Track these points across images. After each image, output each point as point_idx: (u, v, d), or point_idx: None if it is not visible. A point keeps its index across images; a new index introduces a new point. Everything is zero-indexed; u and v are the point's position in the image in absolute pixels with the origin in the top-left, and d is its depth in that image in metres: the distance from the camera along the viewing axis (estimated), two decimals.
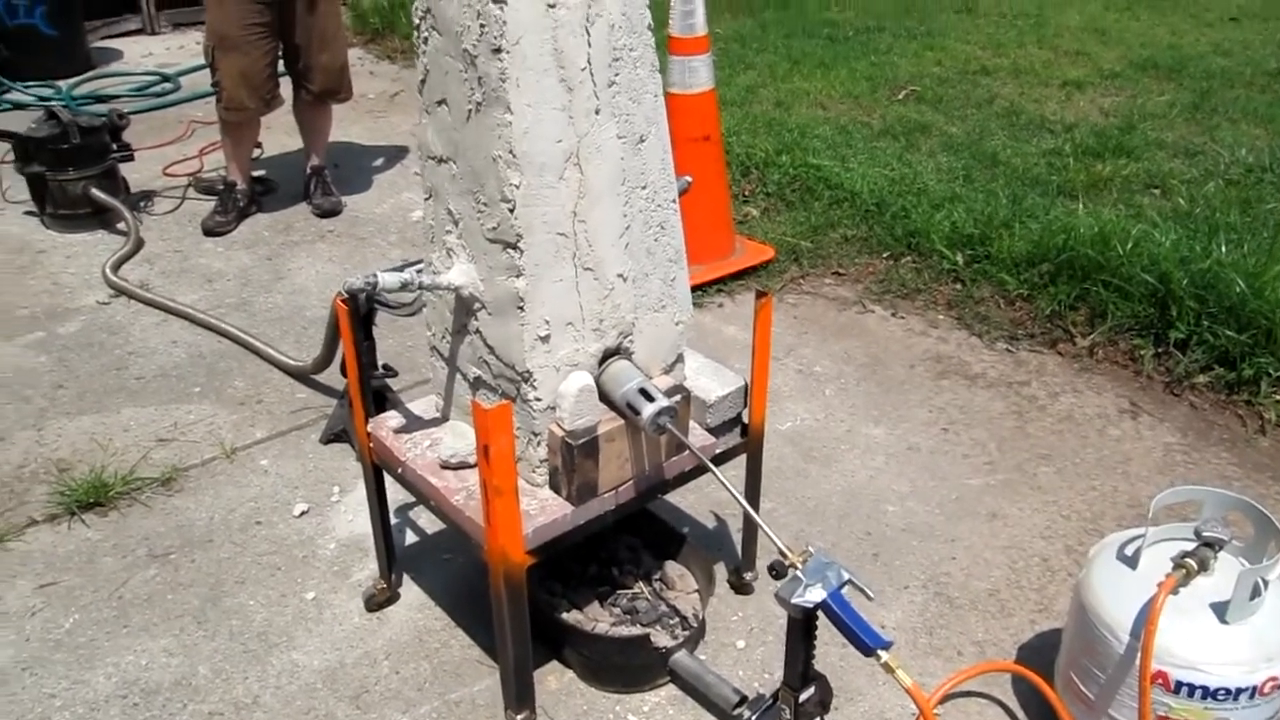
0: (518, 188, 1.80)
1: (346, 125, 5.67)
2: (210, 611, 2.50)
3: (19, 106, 5.99)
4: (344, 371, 3.01)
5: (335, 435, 3.10)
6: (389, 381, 3.04)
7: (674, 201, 2.05)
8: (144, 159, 4.85)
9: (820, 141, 5.13)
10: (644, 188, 1.98)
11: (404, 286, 1.92)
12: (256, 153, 5.26)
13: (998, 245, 4.00)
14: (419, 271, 1.99)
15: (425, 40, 1.89)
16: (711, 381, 2.25)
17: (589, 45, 1.81)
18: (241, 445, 3.10)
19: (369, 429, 2.26)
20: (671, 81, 3.79)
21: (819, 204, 4.51)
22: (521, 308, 1.88)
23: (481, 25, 1.73)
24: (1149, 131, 5.46)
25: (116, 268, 4.08)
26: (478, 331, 2.01)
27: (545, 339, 1.92)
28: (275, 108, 4.47)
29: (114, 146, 4.51)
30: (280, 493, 2.91)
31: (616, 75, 1.87)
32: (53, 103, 5.97)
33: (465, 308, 2.02)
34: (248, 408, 3.28)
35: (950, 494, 2.91)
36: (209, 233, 4.43)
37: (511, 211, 1.82)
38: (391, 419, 2.29)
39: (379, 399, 3.02)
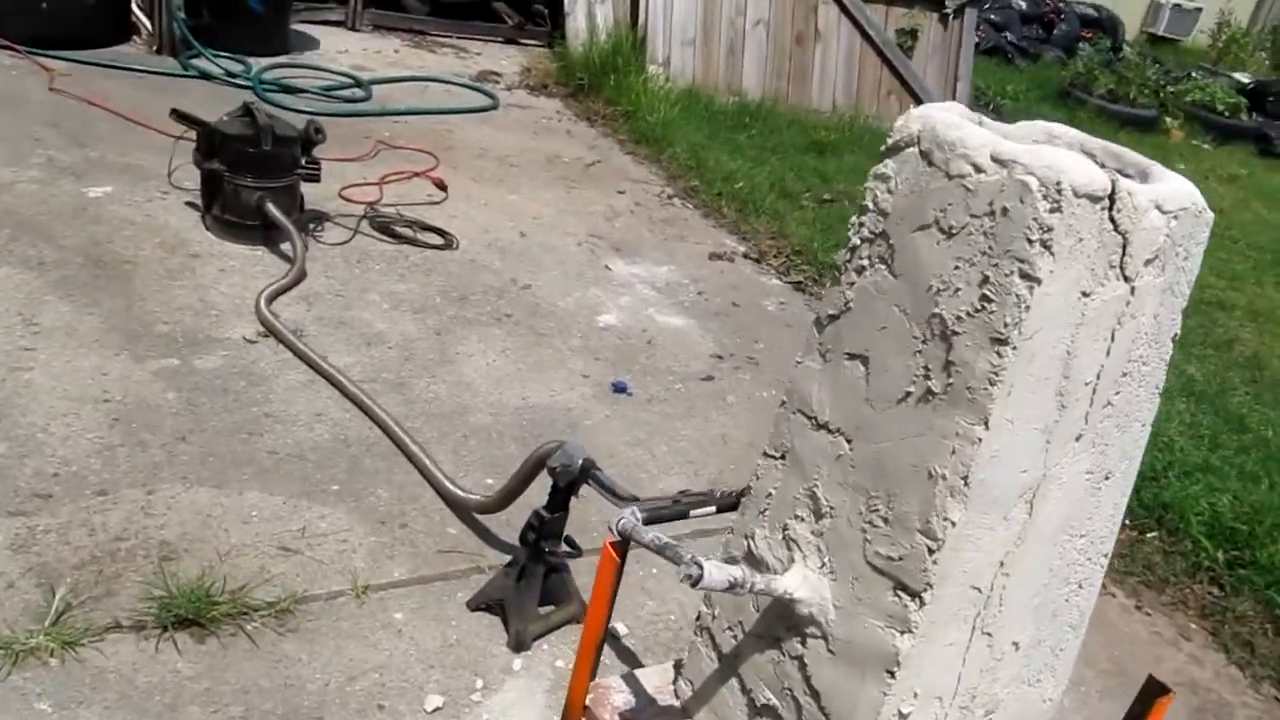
0: (953, 525, 1.25)
1: (538, 190, 5.20)
2: None
3: (205, 76, 5.63)
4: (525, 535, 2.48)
5: (488, 605, 2.55)
6: (569, 561, 2.52)
7: (1106, 556, 1.48)
8: (322, 172, 4.40)
9: None
10: (1083, 536, 1.42)
11: (732, 588, 1.38)
12: (441, 196, 4.81)
13: (1265, 552, 3.37)
14: (748, 570, 1.44)
15: (861, 270, 1.35)
16: None
17: (1107, 353, 1.26)
18: (376, 583, 2.57)
19: (588, 703, 1.70)
20: None
21: None
22: (893, 673, 1.32)
23: (984, 296, 1.19)
24: None
25: (272, 300, 3.61)
26: (799, 660, 1.45)
27: (905, 717, 1.35)
28: None
29: (303, 161, 4.08)
30: (412, 668, 2.36)
31: (1117, 393, 1.32)
32: (238, 81, 5.64)
33: (789, 621, 1.46)
34: (389, 530, 2.75)
35: None
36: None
37: (931, 553, 1.26)
38: (617, 694, 1.73)
39: (545, 576, 2.50)
